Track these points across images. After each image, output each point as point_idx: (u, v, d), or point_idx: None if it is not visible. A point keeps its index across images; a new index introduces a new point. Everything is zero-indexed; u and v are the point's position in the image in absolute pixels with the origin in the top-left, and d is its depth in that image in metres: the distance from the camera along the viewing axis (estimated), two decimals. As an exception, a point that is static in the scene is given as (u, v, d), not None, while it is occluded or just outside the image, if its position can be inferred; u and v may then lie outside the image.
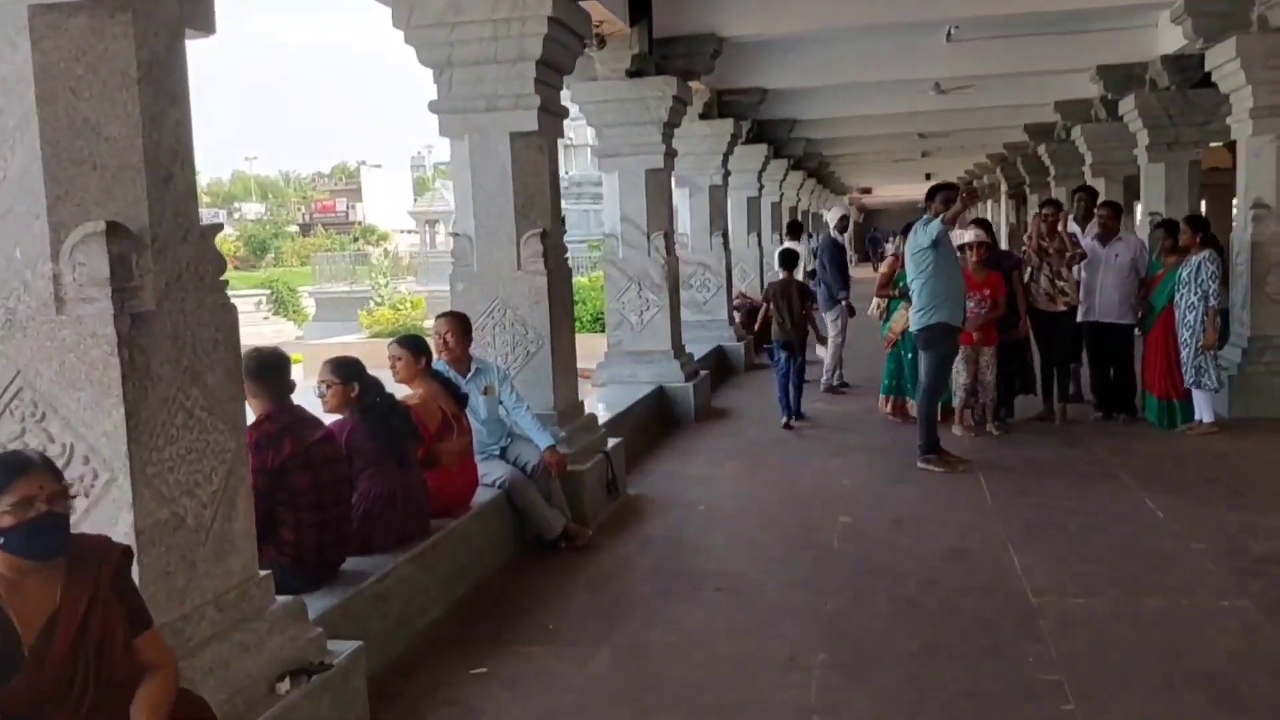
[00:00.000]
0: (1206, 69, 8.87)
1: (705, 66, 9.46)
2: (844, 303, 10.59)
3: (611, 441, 6.68)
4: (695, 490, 6.76)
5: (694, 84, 9.84)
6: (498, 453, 5.65)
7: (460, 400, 5.13)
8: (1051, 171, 18.83)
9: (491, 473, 5.45)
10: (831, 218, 11.91)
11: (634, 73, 9.08)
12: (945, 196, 6.93)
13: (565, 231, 6.55)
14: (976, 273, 7.85)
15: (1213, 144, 14.65)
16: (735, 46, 10.50)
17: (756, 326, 10.50)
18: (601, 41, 8.58)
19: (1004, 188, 27.73)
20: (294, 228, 79.51)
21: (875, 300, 9.14)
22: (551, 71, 6.20)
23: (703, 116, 12.36)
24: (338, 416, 4.49)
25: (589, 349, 16.52)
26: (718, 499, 6.53)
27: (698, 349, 11.20)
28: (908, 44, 11.85)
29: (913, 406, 8.47)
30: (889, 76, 12.58)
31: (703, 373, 9.95)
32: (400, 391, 5.04)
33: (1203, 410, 7.90)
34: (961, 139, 22.04)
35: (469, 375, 5.55)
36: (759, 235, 16.80)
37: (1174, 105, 11.25)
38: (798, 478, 7.03)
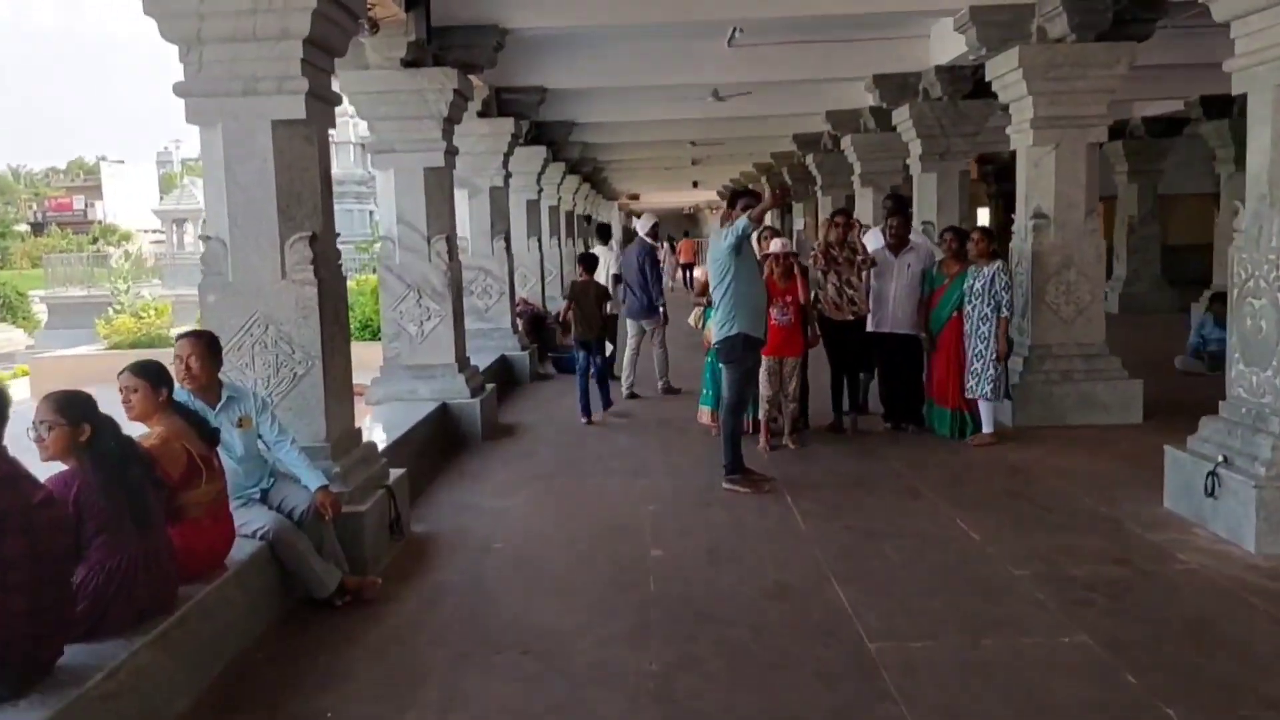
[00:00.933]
0: (987, 79, 9.01)
1: (487, 59, 8.79)
2: (662, 309, 10.69)
3: (394, 473, 5.92)
4: (489, 524, 6.10)
5: (474, 79, 9.16)
6: (258, 496, 4.81)
7: (210, 437, 4.28)
8: (818, 181, 19.28)
9: (251, 521, 4.61)
10: (643, 225, 11.61)
11: (410, 62, 8.31)
12: (746, 203, 6.59)
13: (338, 235, 5.74)
14: (780, 281, 7.61)
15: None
16: (516, 42, 9.92)
17: (561, 321, 10.60)
18: (374, 26, 7.77)
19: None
20: (24, 227, 73.76)
21: (695, 310, 8.76)
22: (321, 53, 5.39)
23: (481, 115, 11.68)
24: (58, 467, 3.58)
25: (359, 359, 15.51)
26: (515, 534, 5.90)
27: (480, 359, 10.51)
28: (689, 48, 11.64)
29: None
30: (669, 80, 12.31)
31: (489, 387, 9.27)
32: (138, 430, 4.14)
33: (985, 420, 7.97)
34: (732, 147, 22.32)
35: (219, 406, 4.69)
36: (539, 239, 16.23)
37: (946, 115, 11.52)
38: (599, 503, 6.50)
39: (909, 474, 6.99)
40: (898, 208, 8.86)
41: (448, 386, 8.66)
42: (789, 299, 7.55)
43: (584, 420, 9.32)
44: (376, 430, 7.39)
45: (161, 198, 48.04)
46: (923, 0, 8.79)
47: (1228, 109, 15.06)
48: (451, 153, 8.82)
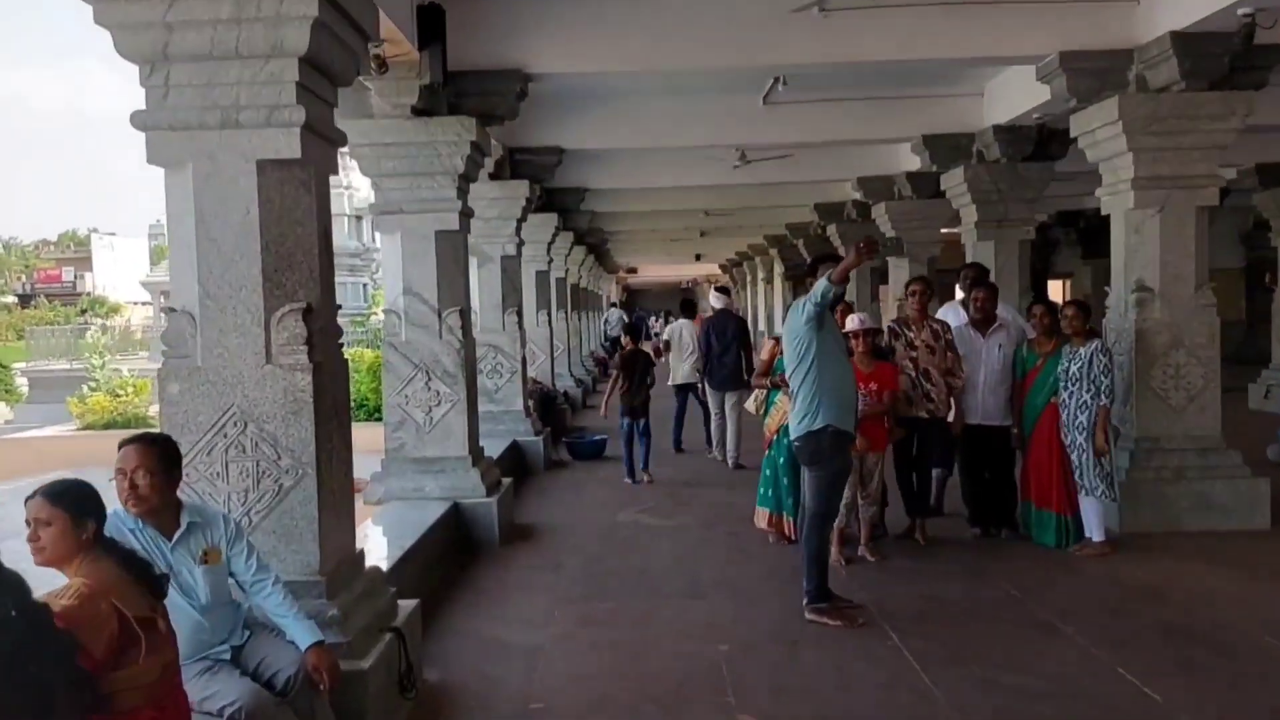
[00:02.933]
0: (1073, 134, 7.96)
1: (508, 109, 7.70)
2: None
3: (404, 607, 4.66)
4: (520, 672, 4.81)
5: (491, 136, 8.08)
6: (228, 656, 3.56)
7: (155, 588, 3.04)
8: (842, 253, 18.26)
9: (218, 695, 3.35)
10: (717, 299, 11.60)
11: (421, 110, 7.24)
12: (829, 268, 5.46)
13: (339, 307, 4.57)
14: (863, 363, 6.45)
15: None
16: (533, 101, 8.92)
17: (607, 396, 11.46)
18: (382, 66, 6.69)
19: (780, 269, 27.35)
20: (11, 298, 72.86)
21: (755, 392, 7.56)
22: (321, 77, 4.28)
23: (493, 176, 10.63)
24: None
25: (354, 444, 14.20)
26: (556, 689, 4.61)
27: (491, 446, 9.28)
28: (719, 106, 10.64)
29: (791, 524, 6.94)
30: (695, 140, 11.30)
31: (505, 482, 8.04)
32: (57, 577, 2.92)
33: (1093, 526, 6.77)
34: (744, 218, 21.37)
35: (177, 536, 3.47)
36: (549, 313, 15.12)
37: (1004, 179, 10.51)
38: (655, 641, 5.21)
39: (1027, 598, 5.75)
40: (982, 277, 7.74)
41: (460, 483, 7.42)
42: (873, 386, 6.39)
43: (629, 480, 9.90)
44: (377, 538, 6.17)
45: (151, 269, 47.16)
46: (1003, 45, 7.76)
47: (1284, 177, 14.20)
48: (466, 215, 7.70)
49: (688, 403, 12.22)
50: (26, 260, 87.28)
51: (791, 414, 5.53)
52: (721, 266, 38.93)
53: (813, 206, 18.05)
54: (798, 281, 26.07)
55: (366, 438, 9.97)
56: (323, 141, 4.26)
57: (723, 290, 12.64)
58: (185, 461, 3.83)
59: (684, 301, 13.96)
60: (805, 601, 5.44)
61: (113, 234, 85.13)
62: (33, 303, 69.97)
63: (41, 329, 43.60)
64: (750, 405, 7.61)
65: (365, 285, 42.63)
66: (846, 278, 5.36)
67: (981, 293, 7.47)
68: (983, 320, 7.28)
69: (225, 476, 4.07)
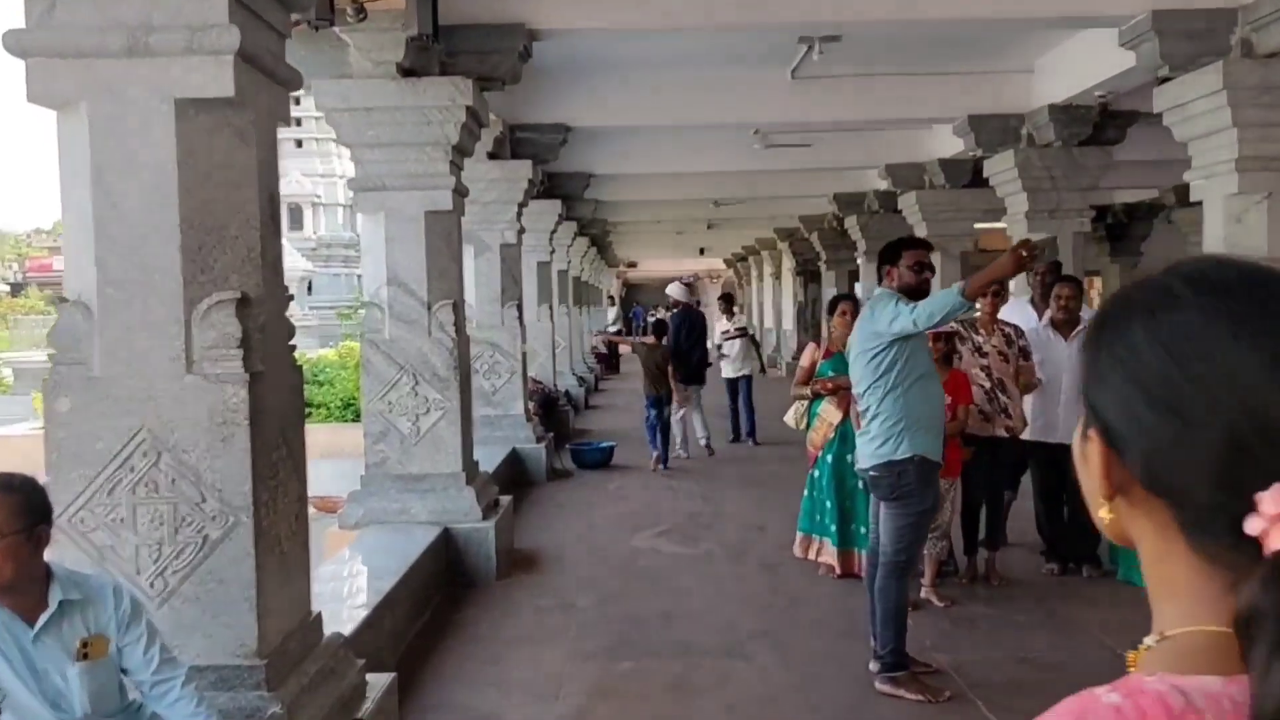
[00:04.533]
0: (1160, 108, 6.89)
1: (510, 71, 6.63)
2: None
3: (375, 685, 3.62)
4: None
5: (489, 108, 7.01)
6: (114, 791, 2.53)
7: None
8: (861, 247, 17.20)
9: None
10: (680, 292, 12.33)
11: (409, 70, 6.18)
12: (917, 257, 4.41)
13: (291, 296, 3.50)
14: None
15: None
16: (536, 72, 7.92)
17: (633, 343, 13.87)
18: (361, 11, 5.63)
19: (790, 264, 26.24)
20: (3, 287, 71.82)
21: (794, 405, 6.51)
22: (264, -8, 3.23)
23: (492, 156, 9.57)
24: None
25: (336, 444, 13.10)
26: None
27: (487, 457, 8.26)
28: (741, 80, 9.62)
29: (833, 553, 5.93)
30: (714, 118, 10.24)
31: (504, 501, 6.99)
32: None
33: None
34: (755, 208, 20.27)
35: (41, 621, 2.43)
36: (550, 307, 14.06)
37: (1058, 165, 9.47)
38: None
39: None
40: (1062, 272, 6.68)
41: (451, 504, 6.36)
42: (947, 400, 5.36)
43: (661, 468, 10.41)
44: (349, 578, 5.14)
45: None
46: (1086, 3, 6.72)
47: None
48: (460, 193, 6.65)
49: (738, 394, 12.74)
50: (19, 249, 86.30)
51: (863, 438, 4.46)
52: (726, 261, 37.82)
53: (831, 197, 16.99)
54: (809, 276, 25.02)
55: (352, 441, 9.03)
56: (265, 78, 3.20)
57: (686, 284, 13.12)
58: (76, 504, 2.82)
59: (725, 295, 14.87)
60: (877, 669, 4.39)
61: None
62: (23, 292, 68.95)
63: (28, 318, 42.64)
64: (790, 418, 6.55)
65: (360, 277, 41.66)
66: (986, 291, 4.30)
67: (1067, 289, 6.42)
68: (1066, 321, 6.23)
69: (131, 524, 3.01)
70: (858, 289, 18.44)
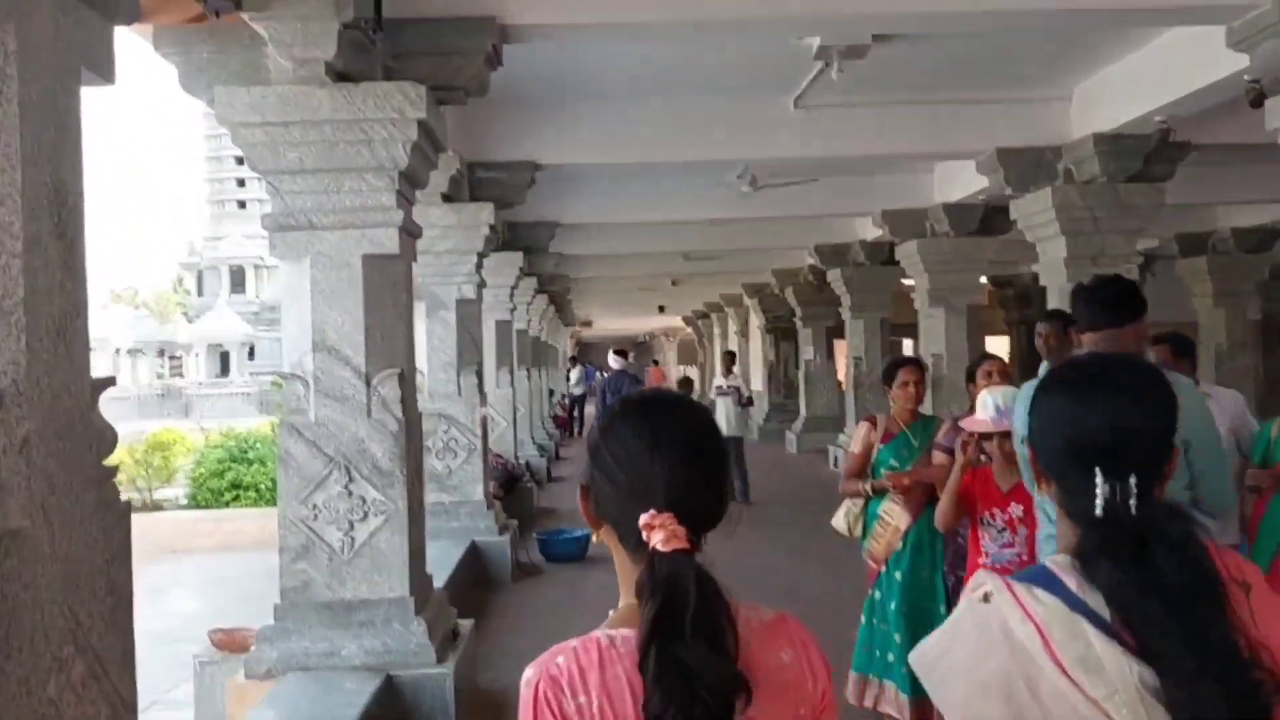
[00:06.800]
0: (1269, 127, 5.63)
1: (475, 78, 5.14)
2: None
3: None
4: None
5: (446, 148, 5.53)
6: None
7: None
8: (846, 301, 15.96)
9: None
10: (616, 361, 13.17)
11: (342, 74, 4.75)
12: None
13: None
14: (1000, 476, 3.99)
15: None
16: (500, 102, 6.57)
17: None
18: (276, -14, 4.20)
19: (759, 321, 24.91)
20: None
21: (846, 504, 5.00)
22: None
23: (447, 198, 8.11)
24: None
25: (269, 532, 11.32)
26: None
27: (442, 556, 6.73)
28: (736, 109, 8.36)
29: (903, 702, 4.46)
30: (702, 154, 8.94)
31: (464, 629, 5.39)
32: None
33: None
34: (729, 261, 18.96)
35: None
36: (511, 370, 12.55)
37: (1102, 204, 8.23)
38: None
39: None
40: (1179, 342, 5.28)
41: (396, 642, 4.75)
42: (1017, 511, 3.90)
43: None
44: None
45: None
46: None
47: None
48: (411, 233, 5.10)
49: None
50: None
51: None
52: (685, 319, 36.49)
53: (812, 248, 15.74)
54: (780, 334, 23.67)
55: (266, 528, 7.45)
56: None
57: (620, 353, 15.49)
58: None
59: (726, 352, 15.47)
60: None
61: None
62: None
63: None
64: (840, 522, 5.00)
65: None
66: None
67: (1162, 347, 5.09)
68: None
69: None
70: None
